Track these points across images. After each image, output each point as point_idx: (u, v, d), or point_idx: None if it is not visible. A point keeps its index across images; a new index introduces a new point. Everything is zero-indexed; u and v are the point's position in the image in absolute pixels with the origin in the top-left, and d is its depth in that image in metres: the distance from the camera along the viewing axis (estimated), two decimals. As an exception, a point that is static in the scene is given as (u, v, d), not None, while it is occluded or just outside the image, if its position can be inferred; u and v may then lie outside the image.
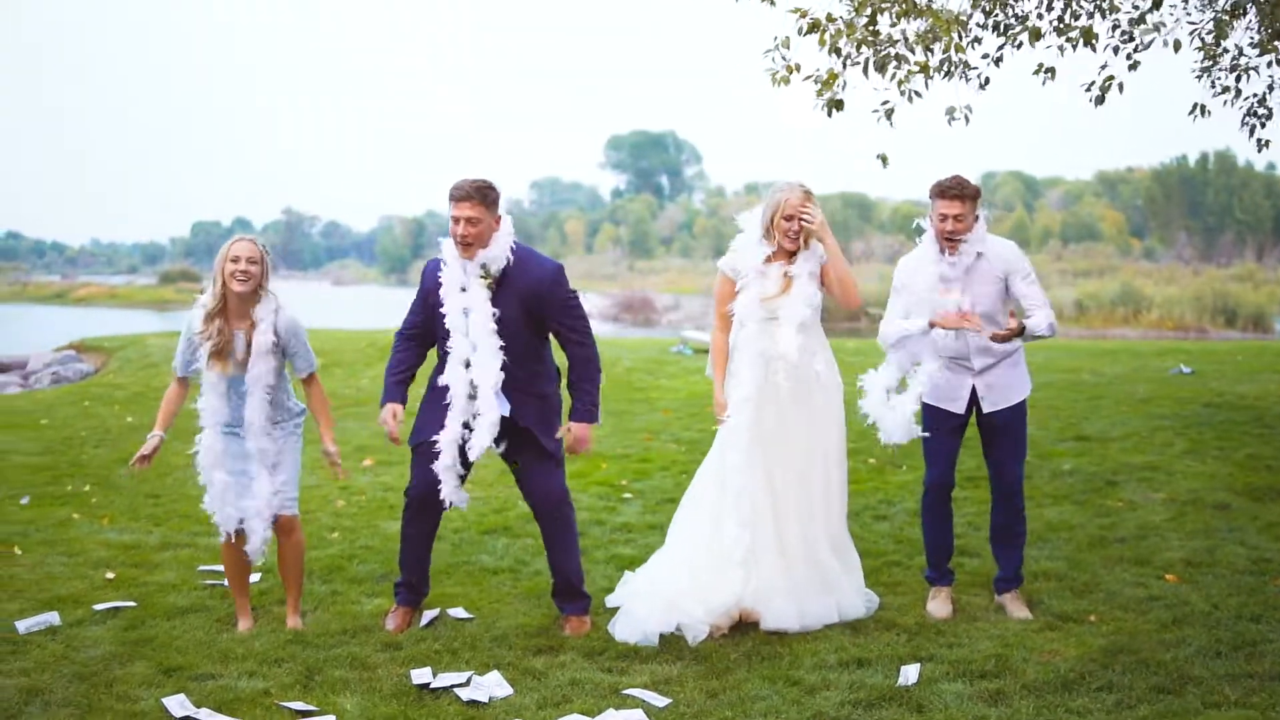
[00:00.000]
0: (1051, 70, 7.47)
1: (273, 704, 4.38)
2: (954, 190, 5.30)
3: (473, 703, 4.41)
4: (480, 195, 5.02)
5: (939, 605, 5.50)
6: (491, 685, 4.55)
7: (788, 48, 7.03)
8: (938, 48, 6.87)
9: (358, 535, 6.95)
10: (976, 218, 5.38)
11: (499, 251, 5.09)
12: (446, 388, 5.14)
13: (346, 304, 56.43)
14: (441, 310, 5.15)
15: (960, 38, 6.77)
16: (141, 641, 5.07)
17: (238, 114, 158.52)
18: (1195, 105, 8.51)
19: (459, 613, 5.49)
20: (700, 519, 5.47)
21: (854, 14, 6.84)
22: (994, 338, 5.24)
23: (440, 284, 5.16)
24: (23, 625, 5.25)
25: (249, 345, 5.09)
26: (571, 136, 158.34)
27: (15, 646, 5.03)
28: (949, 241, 5.32)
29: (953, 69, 7.16)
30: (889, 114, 7.38)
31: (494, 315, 5.09)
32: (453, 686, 4.54)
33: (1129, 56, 6.76)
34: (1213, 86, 8.37)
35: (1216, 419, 10.15)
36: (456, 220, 5.01)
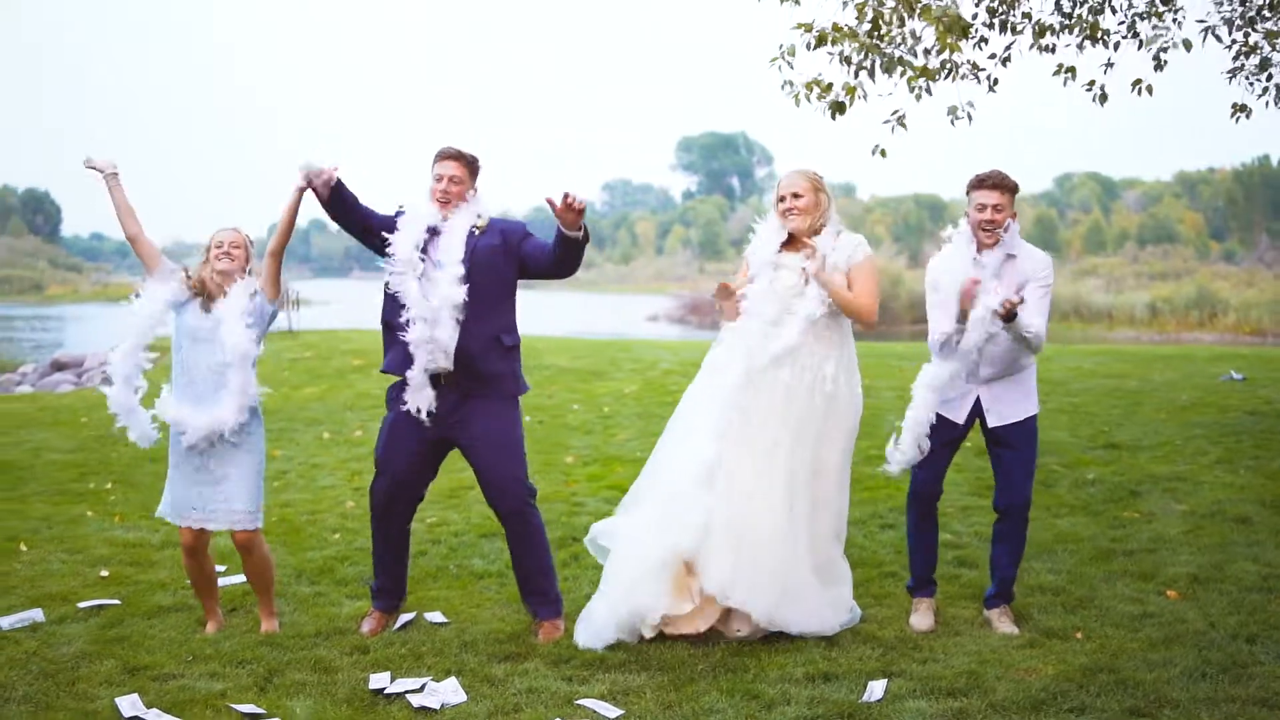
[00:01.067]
0: (1072, 70, 7.25)
1: (224, 706, 4.38)
2: (993, 180, 5.17)
3: (424, 709, 4.38)
4: (463, 158, 5.25)
5: (920, 617, 5.35)
6: (446, 692, 4.51)
7: (793, 54, 6.90)
8: (934, 50, 6.70)
9: (358, 537, 6.96)
10: (1014, 216, 5.22)
11: (480, 209, 5.25)
12: (405, 324, 5.09)
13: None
14: (388, 243, 5.13)
15: (955, 39, 6.59)
16: (115, 640, 5.11)
17: (321, 118, 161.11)
18: (1236, 105, 8.22)
19: (436, 617, 5.46)
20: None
21: (857, 22, 6.70)
22: (1004, 305, 5.01)
23: (396, 227, 5.18)
24: (5, 621, 5.33)
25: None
26: (643, 138, 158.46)
27: (-5, 642, 5.10)
28: (986, 233, 5.15)
29: (954, 71, 6.97)
30: (900, 121, 7.21)
31: (467, 250, 5.12)
32: (406, 692, 4.51)
33: (1156, 57, 6.52)
34: (1249, 86, 8.07)
35: (1258, 428, 9.80)
36: (440, 178, 5.22)
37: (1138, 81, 6.58)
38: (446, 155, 5.23)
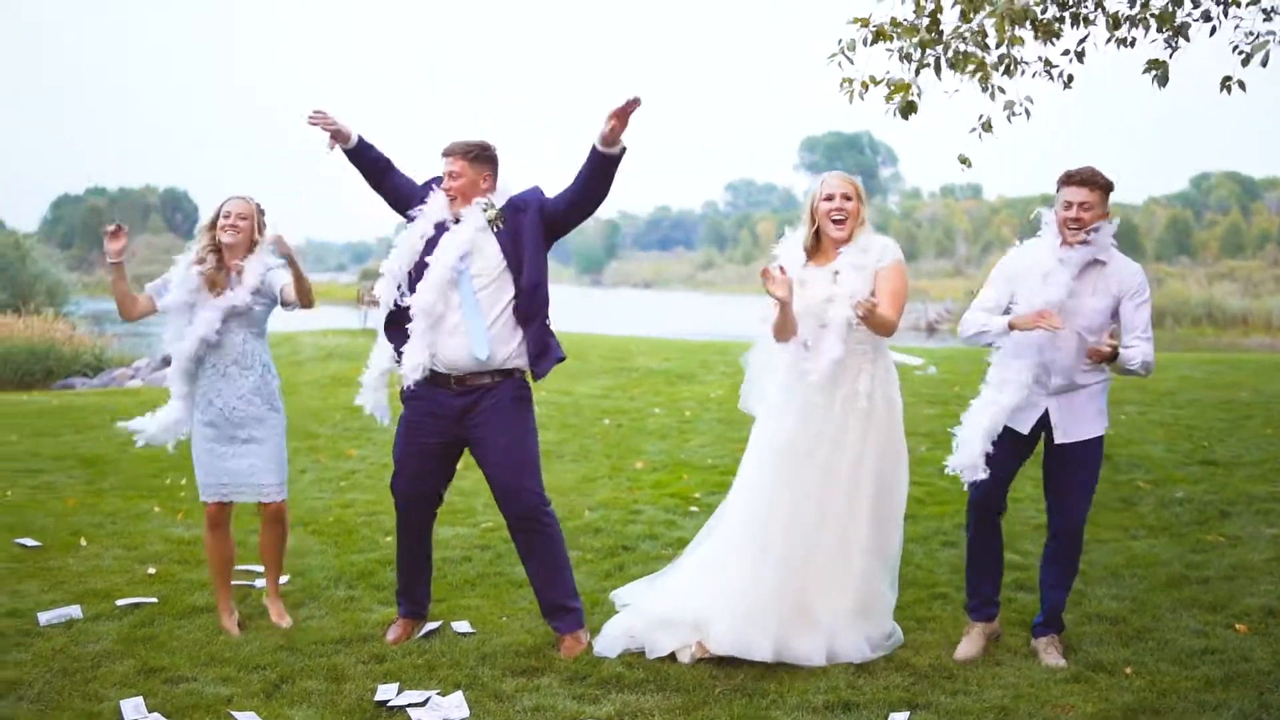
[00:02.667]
0: (1164, 67, 6.81)
1: (225, 713, 4.35)
2: (1081, 176, 4.84)
3: (423, 724, 4.29)
4: (464, 152, 5.12)
5: (969, 643, 5.05)
6: (449, 707, 4.41)
7: (853, 49, 6.62)
8: (992, 43, 6.34)
9: (407, 540, 6.92)
10: (1107, 217, 4.89)
11: (493, 198, 5.14)
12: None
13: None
14: (410, 216, 5.15)
15: (1015, 31, 6.22)
16: (142, 640, 5.15)
17: (449, 116, 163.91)
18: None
19: (462, 626, 5.38)
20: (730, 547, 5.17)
21: (916, 16, 6.39)
22: (1090, 353, 4.77)
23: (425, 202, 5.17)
24: (44, 617, 5.42)
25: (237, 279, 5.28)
26: (767, 138, 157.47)
27: (29, 637, 5.18)
28: (1071, 230, 4.82)
29: (1014, 66, 6.59)
30: (986, 126, 6.88)
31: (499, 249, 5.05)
32: (409, 706, 4.42)
33: (1239, 51, 6.07)
34: None
35: (1375, 447, 9.16)
36: (444, 175, 5.14)
37: (1227, 79, 6.13)
38: (445, 152, 5.14)
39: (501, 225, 5.05)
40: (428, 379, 5.04)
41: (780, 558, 4.90)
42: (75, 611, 5.51)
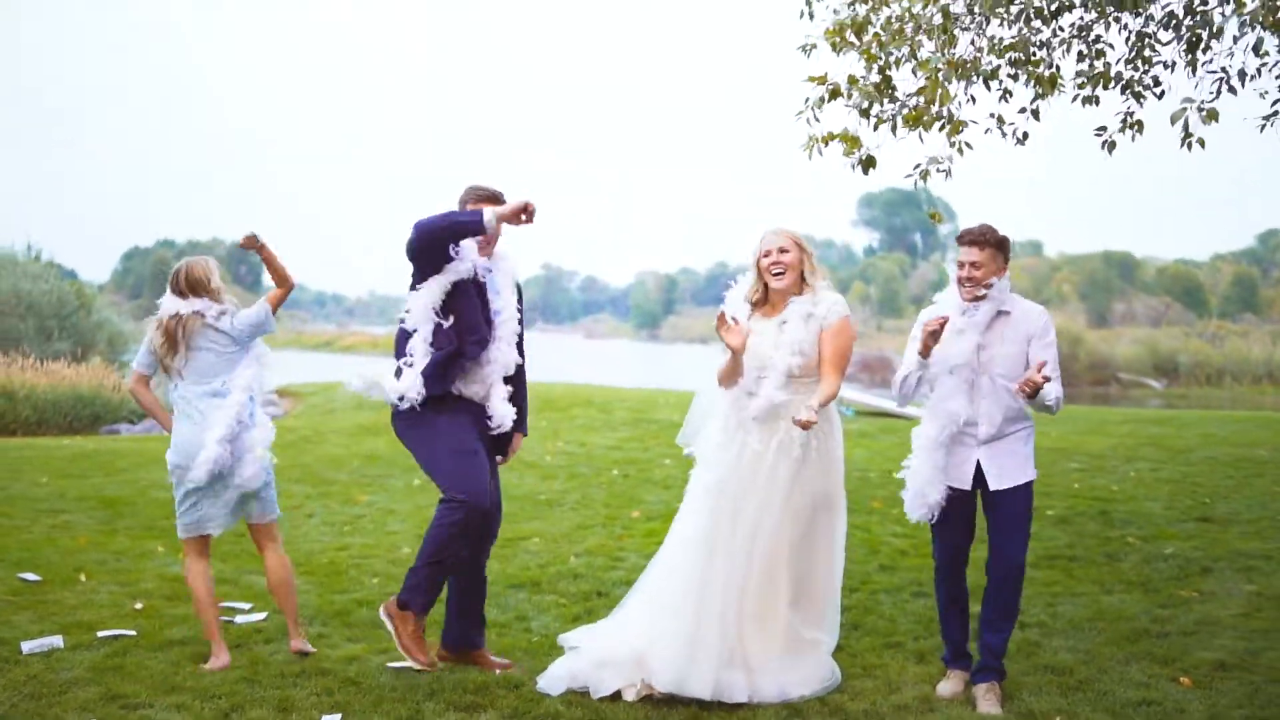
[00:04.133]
0: (1139, 124, 6.92)
1: (168, 738, 4.56)
2: (970, 236, 5.10)
3: (355, 754, 4.46)
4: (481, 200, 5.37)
5: (947, 684, 5.21)
6: (385, 737, 4.58)
7: (820, 108, 6.81)
8: (927, 99, 6.47)
9: (393, 582, 7.11)
10: (1001, 272, 5.10)
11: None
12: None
13: (595, 356, 57.92)
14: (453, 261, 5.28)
15: (946, 88, 6.35)
16: (112, 669, 5.38)
17: (512, 173, 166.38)
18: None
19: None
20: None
21: (866, 71, 6.56)
22: (1023, 384, 4.91)
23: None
24: (27, 646, 5.68)
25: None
26: (825, 194, 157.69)
27: (8, 664, 5.43)
28: (964, 288, 5.08)
29: (948, 121, 6.72)
30: (924, 175, 7.00)
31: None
32: (345, 735, 4.60)
33: (1200, 108, 6.16)
34: None
35: (1380, 507, 9.04)
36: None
37: (1187, 135, 6.21)
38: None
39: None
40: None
41: (716, 597, 5.03)
42: (57, 641, 5.76)
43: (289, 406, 17.57)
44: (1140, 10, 6.37)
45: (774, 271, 5.23)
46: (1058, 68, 6.71)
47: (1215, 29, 5.99)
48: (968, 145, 6.88)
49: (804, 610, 5.19)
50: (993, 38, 6.67)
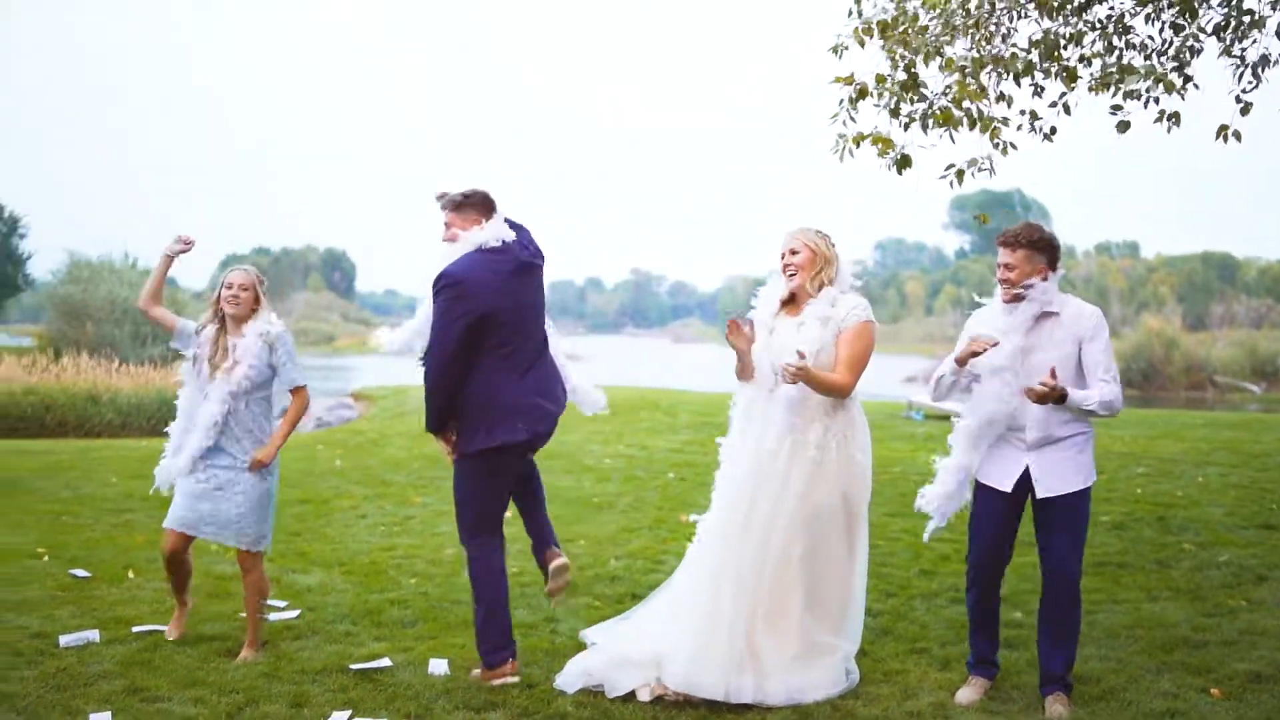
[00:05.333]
0: (1175, 116, 6.71)
1: (181, 730, 4.66)
2: (1004, 238, 4.99)
3: (358, 750, 4.51)
4: (452, 205, 5.40)
5: (967, 690, 5.11)
6: (390, 734, 4.63)
7: (855, 107, 6.71)
8: (951, 99, 6.33)
9: (429, 583, 7.18)
10: (1042, 272, 4.97)
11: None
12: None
13: (681, 360, 57.91)
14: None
15: (977, 88, 6.20)
16: (140, 663, 5.51)
17: (595, 180, 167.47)
18: None
19: (439, 665, 5.54)
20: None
21: (892, 69, 6.45)
22: (1026, 392, 4.80)
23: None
24: (65, 639, 5.85)
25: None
26: (917, 197, 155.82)
27: (43, 657, 5.60)
28: (1003, 289, 5.00)
29: (980, 119, 6.55)
30: (959, 175, 6.84)
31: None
32: (351, 731, 4.66)
33: (1238, 99, 5.94)
34: None
35: None
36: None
37: (1223, 128, 5.99)
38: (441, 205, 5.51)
39: None
40: None
41: (731, 598, 5.00)
42: (93, 635, 5.93)
43: (362, 410, 17.88)
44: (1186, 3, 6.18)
45: (788, 273, 5.26)
46: (1088, 60, 6.53)
47: (1258, 18, 5.78)
48: (1013, 146, 6.73)
49: (819, 614, 5.12)
50: (1027, 35, 6.51)
